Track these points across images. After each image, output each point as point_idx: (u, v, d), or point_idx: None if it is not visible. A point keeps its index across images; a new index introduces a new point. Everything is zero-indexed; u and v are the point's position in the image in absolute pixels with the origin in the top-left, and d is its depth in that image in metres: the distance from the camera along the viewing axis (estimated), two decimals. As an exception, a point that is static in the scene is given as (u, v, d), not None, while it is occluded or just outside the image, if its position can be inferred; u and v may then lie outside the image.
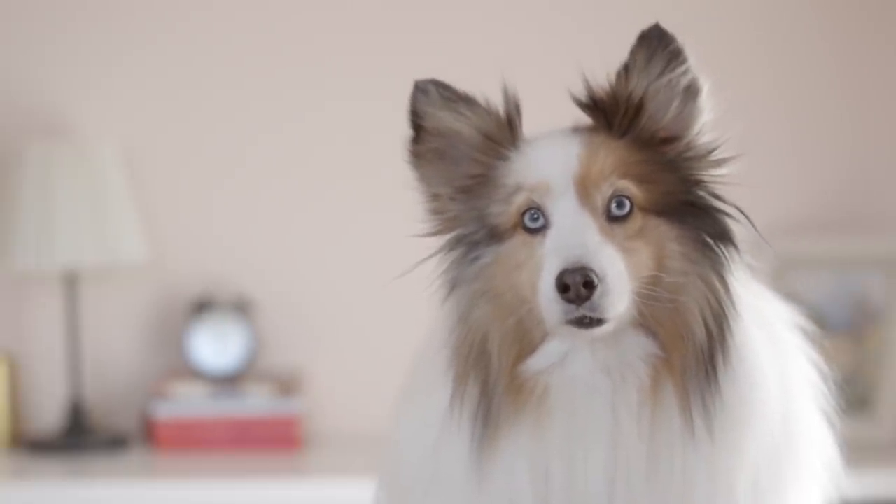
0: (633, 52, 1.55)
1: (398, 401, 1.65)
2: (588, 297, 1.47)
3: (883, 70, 3.56)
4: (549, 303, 1.49)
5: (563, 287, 1.47)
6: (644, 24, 1.58)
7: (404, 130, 1.60)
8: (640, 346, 1.54)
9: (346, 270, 3.55)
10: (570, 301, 1.47)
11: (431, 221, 1.60)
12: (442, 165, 1.60)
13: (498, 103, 1.58)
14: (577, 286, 1.46)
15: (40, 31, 3.50)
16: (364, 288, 3.54)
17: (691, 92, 1.57)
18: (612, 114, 1.56)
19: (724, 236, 1.54)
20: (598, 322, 1.49)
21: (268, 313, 3.53)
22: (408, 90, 1.60)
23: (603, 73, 1.57)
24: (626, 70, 1.55)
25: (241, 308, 3.47)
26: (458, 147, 1.59)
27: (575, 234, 1.51)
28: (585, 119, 1.60)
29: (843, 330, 3.41)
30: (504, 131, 1.58)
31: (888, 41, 3.56)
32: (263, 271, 3.55)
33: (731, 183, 1.56)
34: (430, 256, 1.59)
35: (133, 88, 3.52)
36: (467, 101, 1.58)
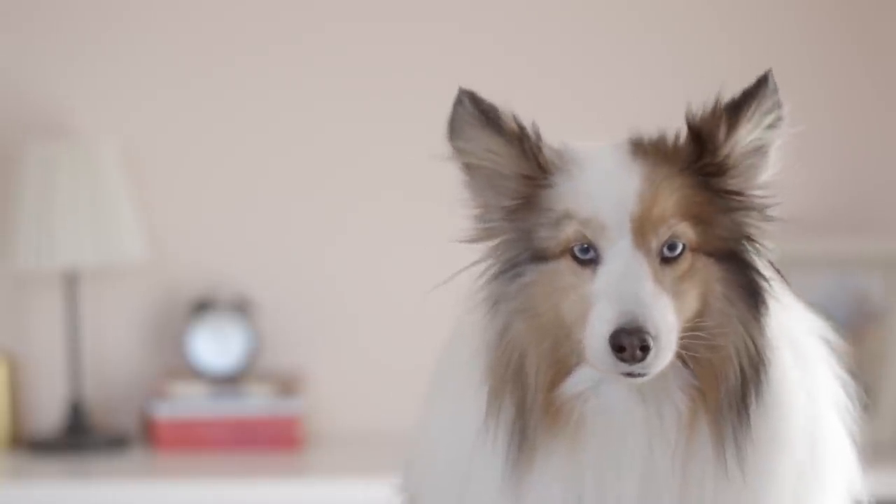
0: (752, 99, 1.53)
1: (426, 402, 1.63)
2: (643, 359, 1.46)
3: (883, 70, 3.56)
4: (599, 353, 1.47)
5: (618, 347, 1.46)
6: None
7: (443, 137, 1.56)
8: (679, 376, 1.53)
9: (346, 271, 3.55)
10: (623, 360, 1.46)
11: (474, 227, 1.57)
12: (482, 181, 1.56)
13: (523, 128, 1.54)
14: (634, 349, 1.45)
15: (40, 31, 3.50)
16: (364, 288, 3.54)
17: (768, 149, 1.57)
18: (707, 153, 1.54)
19: (762, 290, 1.55)
20: (645, 374, 1.48)
21: (268, 313, 3.53)
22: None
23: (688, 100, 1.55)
24: (742, 116, 1.53)
25: (241, 308, 3.47)
26: (493, 176, 1.55)
27: (630, 283, 1.48)
28: (643, 132, 1.57)
29: (843, 330, 3.40)
30: (533, 168, 1.53)
31: (888, 41, 3.56)
32: (263, 271, 3.55)
33: (773, 238, 1.57)
34: (470, 266, 1.57)
35: (133, 88, 3.52)
36: (490, 126, 1.53)
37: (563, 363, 1.53)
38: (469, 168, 1.56)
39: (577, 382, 1.54)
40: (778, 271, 1.57)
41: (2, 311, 3.53)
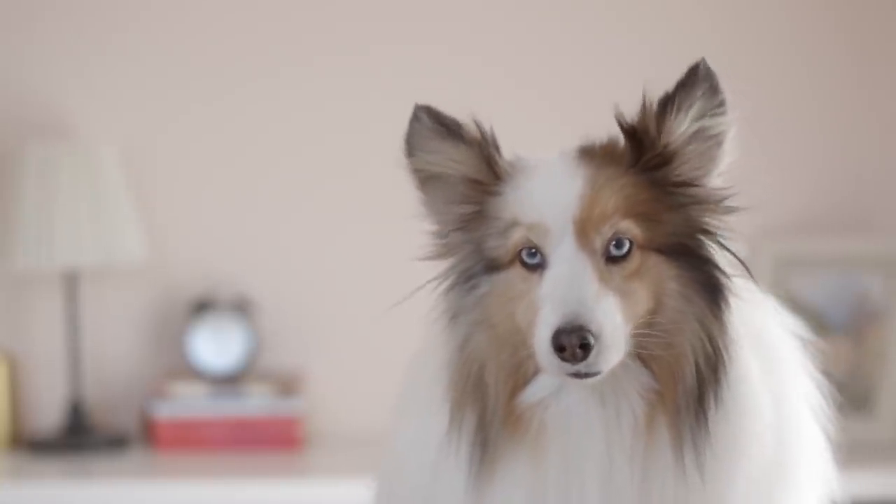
0: (681, 89, 1.53)
1: (394, 415, 1.64)
2: (584, 358, 1.46)
3: (883, 70, 3.56)
4: (544, 356, 1.48)
5: (559, 347, 1.46)
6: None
7: (401, 154, 1.59)
8: (637, 379, 1.53)
9: (346, 270, 3.55)
10: (565, 360, 1.46)
11: (433, 245, 1.59)
12: (437, 195, 1.58)
13: (484, 133, 1.56)
14: (573, 348, 1.46)
15: (40, 32, 3.50)
16: (364, 288, 3.54)
17: (720, 139, 1.55)
18: (646, 149, 1.54)
19: (722, 287, 1.53)
20: (594, 374, 1.48)
21: (268, 313, 3.53)
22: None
23: (636, 94, 1.54)
24: (671, 107, 1.53)
25: (241, 308, 3.47)
26: (447, 186, 1.57)
27: (572, 285, 1.49)
28: (595, 138, 1.58)
29: (843, 330, 3.41)
30: (487, 174, 1.56)
31: (887, 41, 3.56)
32: (263, 271, 3.55)
33: (734, 232, 1.54)
34: (429, 282, 1.59)
35: (133, 89, 3.52)
36: (452, 136, 1.56)
37: (522, 371, 1.54)
38: (427, 181, 1.58)
39: (536, 390, 1.54)
40: (745, 267, 1.55)
41: (2, 311, 3.53)
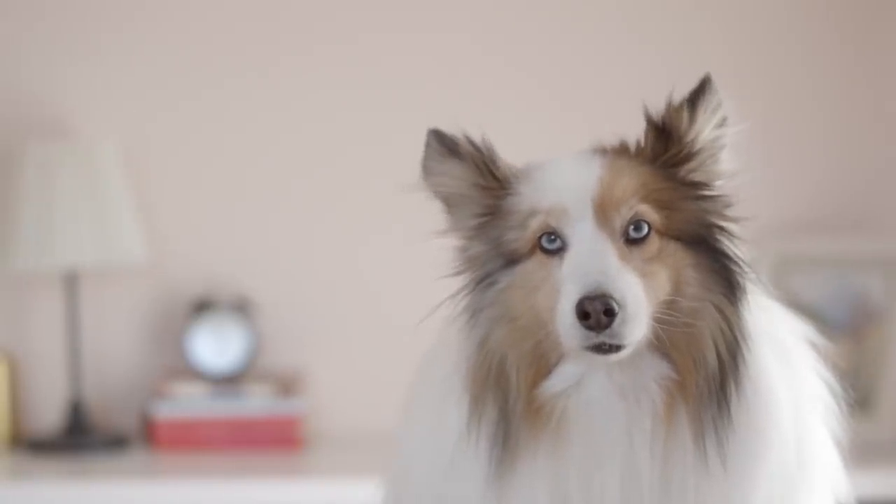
0: (703, 95, 1.56)
1: (404, 419, 1.65)
2: (608, 325, 1.47)
3: (883, 70, 3.56)
4: (568, 328, 1.49)
5: (583, 314, 1.47)
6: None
7: (417, 177, 1.63)
8: (656, 369, 1.54)
9: (346, 270, 3.55)
10: (590, 328, 1.48)
11: (455, 260, 1.61)
12: (455, 212, 1.62)
13: (475, 145, 1.60)
14: (598, 314, 1.47)
15: (40, 32, 3.50)
16: (364, 288, 3.54)
17: (726, 148, 1.58)
18: (671, 144, 1.57)
19: (738, 279, 1.55)
20: (617, 348, 1.49)
21: (268, 313, 3.53)
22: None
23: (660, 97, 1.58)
24: (701, 108, 1.56)
25: (241, 308, 3.47)
26: (461, 201, 1.60)
27: (594, 259, 1.50)
28: (608, 140, 1.61)
29: (843, 330, 3.41)
30: (491, 180, 1.59)
31: (887, 42, 3.56)
32: (263, 271, 3.55)
33: (741, 237, 1.57)
34: (450, 297, 1.60)
35: (133, 88, 3.52)
36: (452, 154, 1.59)
37: (543, 362, 1.55)
38: (445, 201, 1.62)
39: (557, 381, 1.55)
40: (754, 272, 1.57)
41: (2, 311, 3.53)
